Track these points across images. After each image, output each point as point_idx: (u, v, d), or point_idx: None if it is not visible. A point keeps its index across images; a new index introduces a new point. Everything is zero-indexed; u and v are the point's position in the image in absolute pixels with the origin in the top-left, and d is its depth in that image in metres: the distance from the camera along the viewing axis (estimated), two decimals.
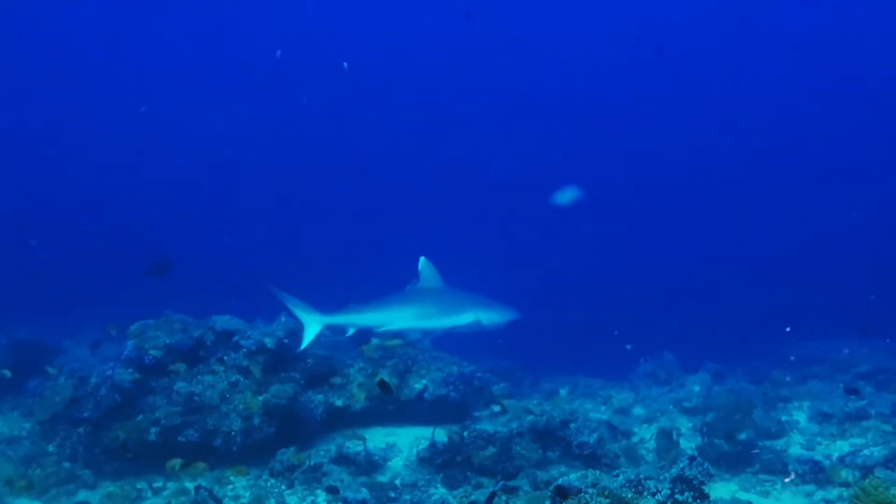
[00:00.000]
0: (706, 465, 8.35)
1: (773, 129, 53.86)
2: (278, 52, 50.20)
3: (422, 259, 15.88)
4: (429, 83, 57.04)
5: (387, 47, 55.79)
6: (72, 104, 51.30)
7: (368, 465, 13.04)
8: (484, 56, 55.98)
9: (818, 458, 12.87)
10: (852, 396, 15.79)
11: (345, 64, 49.31)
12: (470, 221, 46.77)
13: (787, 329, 21.78)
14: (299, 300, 14.88)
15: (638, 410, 17.28)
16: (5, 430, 15.39)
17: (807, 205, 46.98)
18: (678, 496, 8.08)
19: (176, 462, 11.70)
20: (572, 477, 8.57)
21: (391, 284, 16.38)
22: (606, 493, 7.80)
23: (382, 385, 11.36)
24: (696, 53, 54.64)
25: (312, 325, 14.58)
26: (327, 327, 14.96)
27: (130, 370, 13.86)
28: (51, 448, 13.58)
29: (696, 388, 18.34)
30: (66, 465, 13.16)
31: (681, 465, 8.33)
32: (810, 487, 11.89)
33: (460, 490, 11.77)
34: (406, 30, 55.73)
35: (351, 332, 15.13)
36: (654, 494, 8.07)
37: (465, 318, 15.22)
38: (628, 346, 22.20)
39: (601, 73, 55.61)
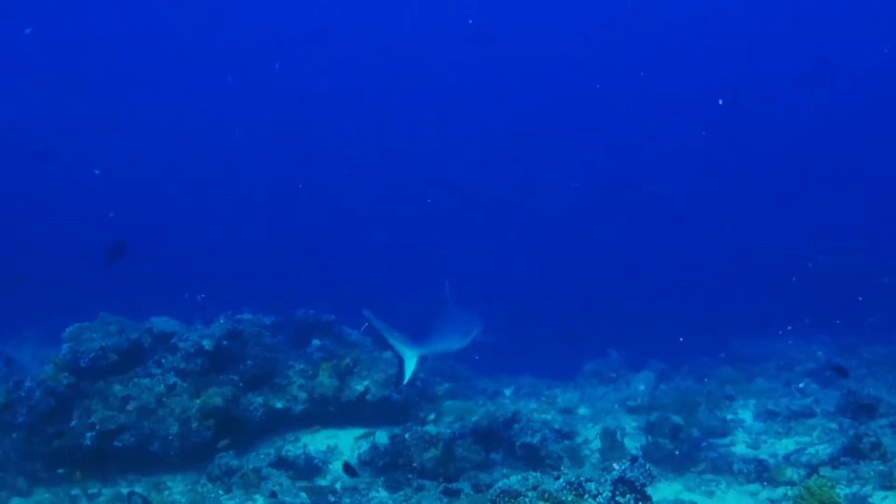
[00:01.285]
0: (648, 466, 8.19)
1: (716, 133, 54.14)
2: (276, 65, 49.57)
3: (446, 281, 16.15)
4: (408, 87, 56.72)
5: (377, 51, 55.35)
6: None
7: (308, 469, 12.74)
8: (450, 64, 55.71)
9: (763, 456, 12.74)
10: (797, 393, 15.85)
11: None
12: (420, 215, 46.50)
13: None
14: (401, 333, 14.42)
15: (583, 410, 17.11)
16: None
17: (751, 205, 47.25)
18: (619, 498, 7.94)
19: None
20: (513, 480, 8.37)
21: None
22: (546, 496, 7.64)
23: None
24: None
25: (412, 359, 14.04)
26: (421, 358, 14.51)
27: (65, 374, 13.44)
28: None
29: (642, 387, 18.21)
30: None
31: (622, 467, 8.16)
32: (755, 486, 11.75)
33: (400, 493, 11.55)
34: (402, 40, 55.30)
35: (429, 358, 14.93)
36: (594, 497, 7.93)
37: (476, 330, 15.27)
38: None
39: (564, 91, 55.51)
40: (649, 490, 8.35)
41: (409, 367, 13.19)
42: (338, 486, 12.31)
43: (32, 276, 33.95)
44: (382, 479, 12.42)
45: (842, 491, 10.49)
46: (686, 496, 11.57)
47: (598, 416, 16.26)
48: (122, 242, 16.43)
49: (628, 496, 7.96)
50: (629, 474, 8.11)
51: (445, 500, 10.88)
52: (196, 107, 52.40)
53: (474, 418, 13.95)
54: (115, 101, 51.08)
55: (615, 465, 8.53)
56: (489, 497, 8.24)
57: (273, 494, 11.37)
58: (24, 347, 23.02)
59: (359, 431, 14.21)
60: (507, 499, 7.95)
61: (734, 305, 30.26)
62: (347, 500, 11.46)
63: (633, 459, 8.31)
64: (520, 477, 8.46)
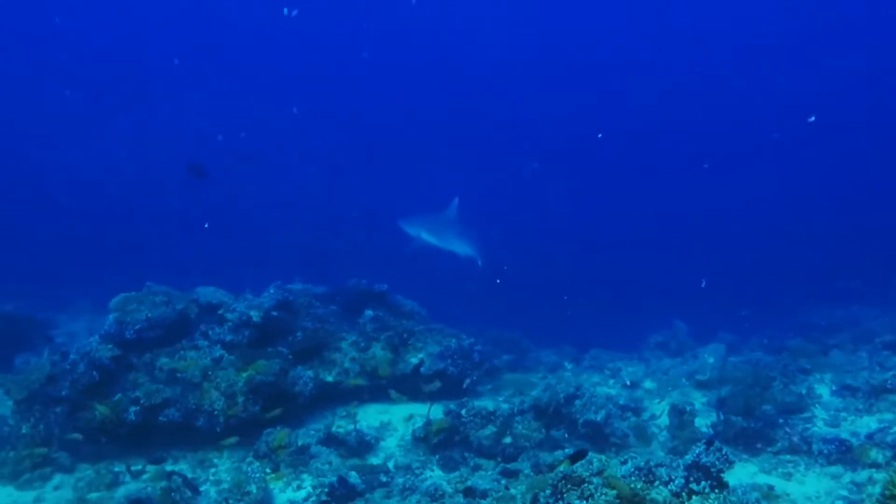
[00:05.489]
0: (725, 450, 7.45)
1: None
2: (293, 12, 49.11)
3: (456, 199, 17.51)
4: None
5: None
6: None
7: (360, 446, 12.20)
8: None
9: (844, 435, 11.89)
10: (877, 367, 14.95)
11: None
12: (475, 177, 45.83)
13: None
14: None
15: (648, 384, 16.35)
16: None
17: (820, 167, 45.97)
18: (693, 485, 7.24)
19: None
20: (576, 463, 7.69)
21: None
22: (613, 483, 6.96)
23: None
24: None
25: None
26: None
27: (110, 346, 13.04)
28: (25, 429, 12.62)
29: (710, 360, 17.37)
30: (42, 447, 12.25)
31: (696, 451, 7.43)
32: (837, 468, 10.99)
33: (456, 474, 10.94)
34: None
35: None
36: (666, 484, 7.26)
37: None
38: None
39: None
40: (724, 476, 7.65)
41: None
42: (390, 464, 11.75)
43: (90, 246, 33.93)
44: (437, 457, 11.88)
45: None
46: (762, 478, 10.87)
47: (664, 391, 15.51)
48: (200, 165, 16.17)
49: (703, 483, 7.25)
50: (704, 459, 7.39)
51: (503, 482, 10.26)
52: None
53: (534, 392, 13.32)
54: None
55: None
56: (550, 481, 7.59)
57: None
58: (80, 318, 22.83)
59: (413, 406, 13.65)
60: (569, 485, 7.28)
61: (806, 273, 29.23)
62: (400, 480, 10.88)
63: (709, 443, 7.58)
64: (583, 461, 7.79)
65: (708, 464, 7.35)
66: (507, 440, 11.69)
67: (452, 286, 22.50)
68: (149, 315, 13.52)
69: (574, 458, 7.70)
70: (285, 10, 47.71)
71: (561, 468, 7.53)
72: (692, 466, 7.38)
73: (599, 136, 46.90)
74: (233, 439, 11.85)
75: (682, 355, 18.64)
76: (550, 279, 29.69)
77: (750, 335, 20.73)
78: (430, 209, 18.45)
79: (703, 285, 20.58)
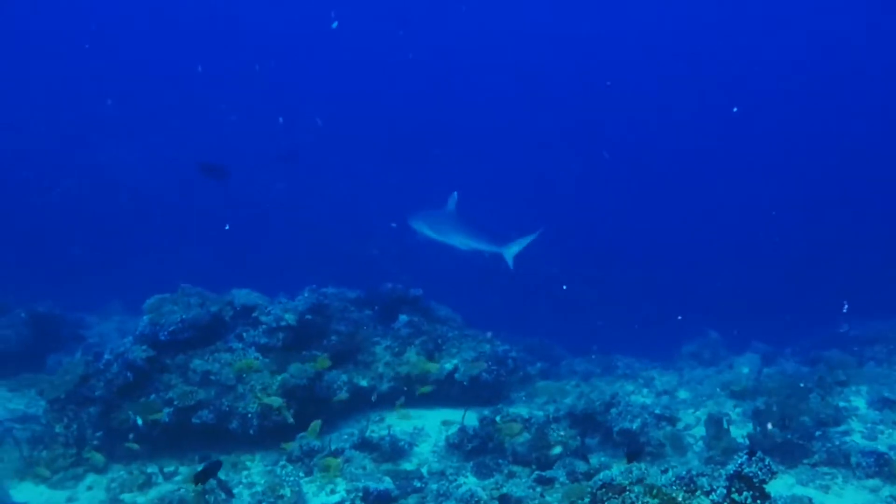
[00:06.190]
0: (768, 461, 7.34)
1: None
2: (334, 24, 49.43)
3: (455, 194, 17.54)
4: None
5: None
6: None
7: (393, 451, 12.14)
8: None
9: (882, 448, 11.76)
10: None
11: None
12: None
13: (845, 308, 20.54)
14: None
15: (682, 393, 16.21)
16: (20, 408, 14.63)
17: (860, 174, 45.49)
18: (735, 496, 7.14)
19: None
20: (615, 471, 7.62)
21: None
22: (654, 491, 6.90)
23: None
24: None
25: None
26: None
27: (144, 347, 13.06)
28: (58, 429, 12.65)
29: (745, 370, 17.24)
30: (75, 447, 12.29)
31: (739, 461, 7.32)
32: (875, 482, 10.85)
33: (491, 480, 10.90)
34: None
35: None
36: (707, 493, 7.15)
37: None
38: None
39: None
40: (767, 488, 7.55)
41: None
42: (424, 470, 11.70)
43: (121, 247, 34.01)
44: (471, 464, 11.82)
45: None
46: (800, 490, 10.73)
47: (698, 401, 15.33)
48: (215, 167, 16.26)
49: (745, 493, 7.15)
50: (747, 469, 7.30)
51: (538, 489, 10.20)
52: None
53: (567, 400, 13.24)
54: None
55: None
56: (589, 489, 7.53)
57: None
58: (111, 319, 22.94)
59: (447, 412, 13.61)
60: (609, 493, 7.22)
61: (841, 283, 28.89)
62: (434, 486, 10.83)
63: (752, 453, 7.49)
64: (623, 468, 7.71)
65: (751, 474, 7.26)
66: (557, 450, 11.57)
67: (479, 291, 22.45)
68: (183, 317, 13.54)
69: (630, 457, 7.68)
70: (332, 14, 47.93)
71: (616, 469, 7.48)
72: (734, 476, 7.28)
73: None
74: (292, 445, 11.83)
75: (715, 365, 18.52)
76: (580, 284, 29.52)
77: (783, 345, 20.55)
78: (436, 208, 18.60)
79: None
